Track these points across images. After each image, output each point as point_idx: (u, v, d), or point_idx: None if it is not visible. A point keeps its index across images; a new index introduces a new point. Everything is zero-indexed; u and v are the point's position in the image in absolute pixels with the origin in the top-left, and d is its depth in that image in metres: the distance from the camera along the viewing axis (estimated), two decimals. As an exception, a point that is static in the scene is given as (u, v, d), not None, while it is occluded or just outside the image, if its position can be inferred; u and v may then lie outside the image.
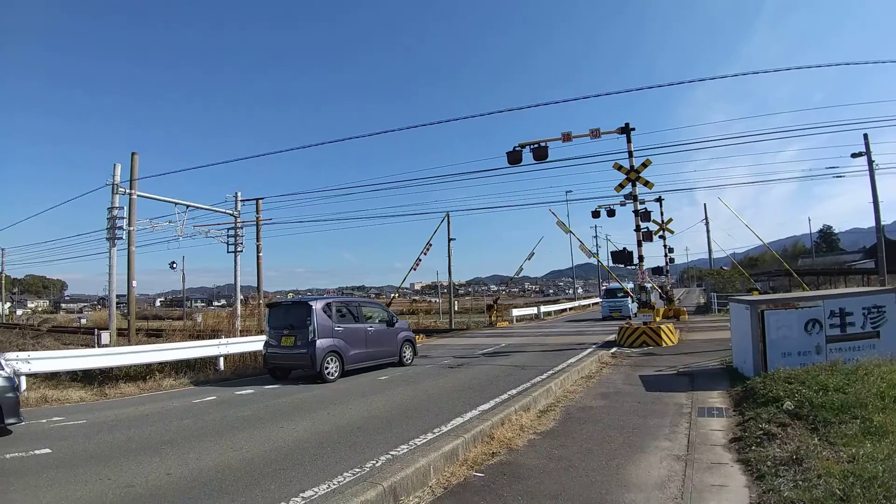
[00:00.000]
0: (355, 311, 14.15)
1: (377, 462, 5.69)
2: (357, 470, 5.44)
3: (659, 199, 30.85)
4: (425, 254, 28.79)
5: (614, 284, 34.75)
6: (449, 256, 35.60)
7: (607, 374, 11.67)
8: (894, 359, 8.37)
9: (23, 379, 11.59)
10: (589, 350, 15.83)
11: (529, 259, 36.96)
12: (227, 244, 26.82)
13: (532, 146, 17.47)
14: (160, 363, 14.70)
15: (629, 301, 30.14)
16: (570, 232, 30.91)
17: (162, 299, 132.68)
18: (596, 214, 31.02)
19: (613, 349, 15.70)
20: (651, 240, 28.87)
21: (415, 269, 28.38)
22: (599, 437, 6.73)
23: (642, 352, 15.19)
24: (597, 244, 58.05)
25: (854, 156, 25.82)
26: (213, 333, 20.30)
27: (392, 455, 5.93)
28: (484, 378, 11.61)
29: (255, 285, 29.54)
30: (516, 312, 37.34)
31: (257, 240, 28.02)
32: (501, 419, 7.27)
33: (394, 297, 36.44)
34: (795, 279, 31.86)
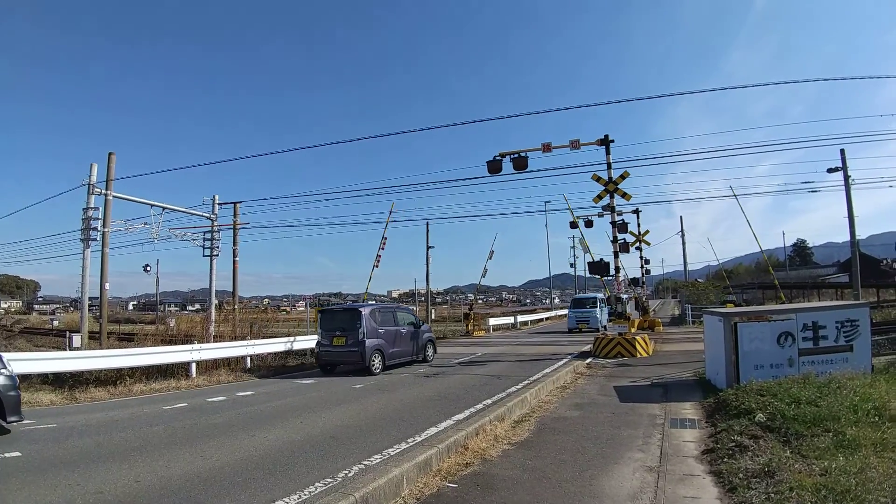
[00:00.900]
0: (392, 316, 16.51)
1: (349, 472, 5.59)
2: (329, 480, 5.35)
3: (636, 211, 31.01)
4: (382, 248, 28.59)
5: (583, 294, 34.59)
6: (427, 264, 35.60)
7: (582, 385, 11.71)
8: (867, 372, 8.52)
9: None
10: (564, 360, 15.88)
11: (490, 258, 37.00)
12: (203, 248, 26.39)
13: (512, 156, 17.53)
14: (131, 368, 14.37)
15: (598, 312, 29.70)
16: (588, 251, 30.49)
17: (135, 302, 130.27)
18: (574, 225, 31.10)
19: (589, 359, 15.77)
20: (628, 251, 28.86)
21: (377, 266, 28.14)
22: (573, 447, 6.72)
23: (617, 362, 15.28)
24: (574, 255, 58.57)
25: (830, 171, 26.15)
26: (187, 339, 19.98)
27: (365, 465, 5.84)
28: (459, 387, 11.56)
29: (231, 290, 29.12)
30: (493, 322, 37.31)
31: (234, 244, 27.65)
32: (476, 429, 7.24)
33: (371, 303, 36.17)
34: (769, 292, 32.39)
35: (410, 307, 34.57)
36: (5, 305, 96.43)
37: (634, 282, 35.80)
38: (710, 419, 7.75)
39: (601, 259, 23.07)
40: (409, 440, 6.90)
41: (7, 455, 6.63)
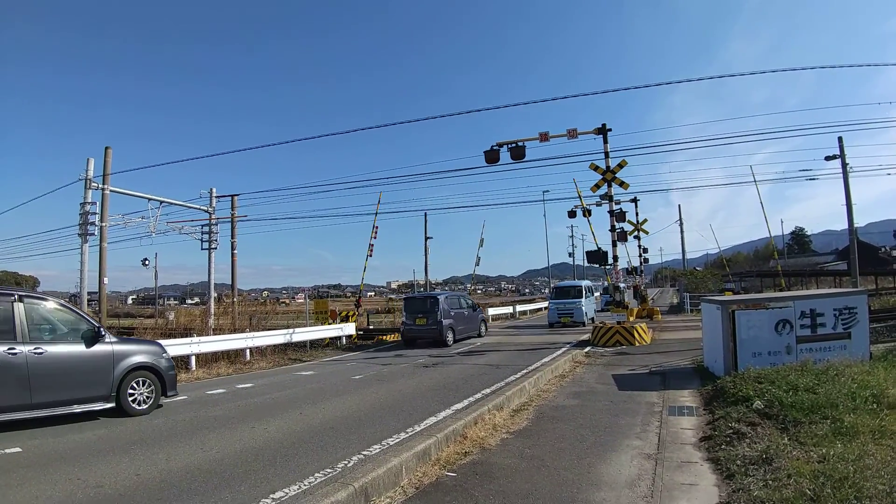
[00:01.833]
0: (458, 301, 21.24)
1: (349, 462, 5.62)
2: (329, 470, 5.37)
3: (634, 200, 30.95)
4: (374, 237, 28.58)
5: (568, 281, 31.74)
6: (426, 255, 35.69)
7: (580, 373, 11.74)
8: (865, 360, 8.53)
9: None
10: (563, 349, 15.93)
11: (481, 245, 37.16)
12: (202, 241, 26.33)
13: (510, 145, 17.50)
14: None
15: (583, 302, 25.96)
16: (594, 236, 30.66)
17: (134, 297, 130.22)
18: (572, 214, 30.95)
19: (587, 348, 15.82)
20: (626, 240, 28.79)
21: (370, 255, 28.11)
22: (572, 435, 6.75)
23: (616, 351, 15.32)
24: (573, 244, 58.60)
25: (828, 158, 26.08)
26: (186, 332, 19.96)
27: (364, 455, 5.87)
28: (458, 377, 11.59)
29: (230, 283, 29.12)
30: (492, 311, 37.29)
31: (232, 237, 27.62)
32: (475, 418, 7.26)
33: (370, 295, 36.26)
34: (768, 280, 32.38)
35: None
36: None
37: (632, 270, 35.81)
38: (708, 406, 7.77)
39: (599, 248, 23.11)
40: (408, 430, 6.92)
41: (7, 451, 6.65)
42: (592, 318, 26.14)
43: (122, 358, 8.86)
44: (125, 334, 23.97)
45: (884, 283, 46.28)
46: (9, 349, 7.60)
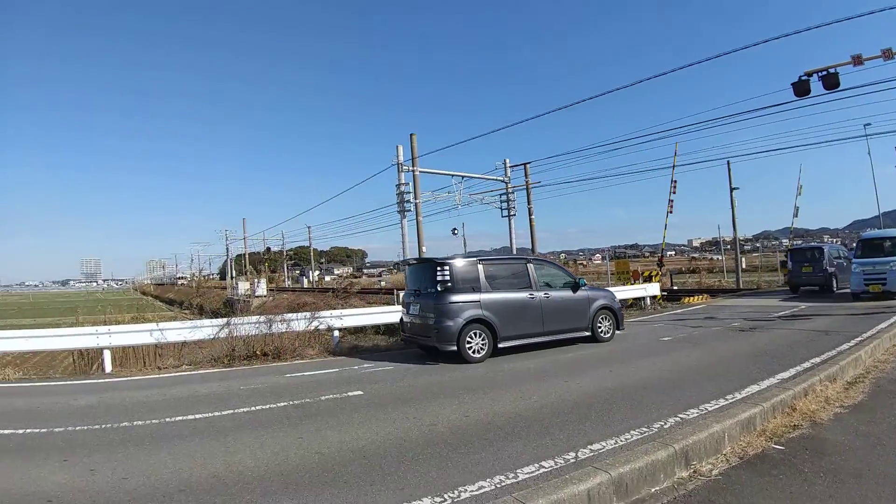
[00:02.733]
0: (838, 252, 23.38)
1: (665, 424, 5.50)
2: (644, 429, 5.34)
3: None
4: (674, 192, 26.60)
5: (880, 231, 22.49)
6: (732, 208, 32.26)
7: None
8: None
9: (335, 333, 13.91)
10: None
11: (799, 194, 31.74)
12: (501, 209, 28.30)
13: (820, 73, 14.90)
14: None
15: None
16: None
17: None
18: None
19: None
20: None
21: (670, 212, 26.43)
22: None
23: None
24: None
25: None
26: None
27: (681, 418, 5.68)
28: (781, 343, 10.41)
29: (529, 247, 30.68)
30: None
31: (528, 203, 28.99)
32: (804, 389, 6.51)
33: (670, 254, 34.58)
34: None
35: (716, 256, 31.99)
36: (338, 272, 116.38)
37: None
38: None
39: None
40: (727, 397, 6.48)
41: (350, 394, 7.87)
42: None
43: (594, 301, 11.86)
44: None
45: None
46: (529, 295, 10.98)
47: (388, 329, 16.57)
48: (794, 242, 38.32)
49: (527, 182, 28.90)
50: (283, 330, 12.55)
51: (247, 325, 12.40)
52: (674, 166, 26.62)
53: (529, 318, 10.86)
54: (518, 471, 4.35)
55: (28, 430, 6.54)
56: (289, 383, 9.03)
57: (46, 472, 4.93)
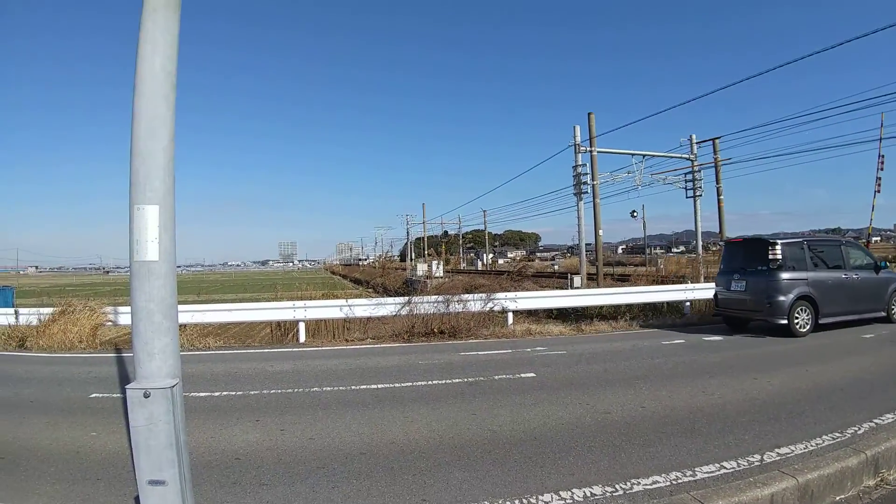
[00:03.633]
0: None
1: (859, 429, 4.92)
2: (837, 434, 4.80)
3: None
4: (881, 168, 22.56)
5: None
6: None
7: None
8: None
9: (510, 315, 14.06)
10: None
11: None
12: (686, 189, 26.44)
13: None
14: (627, 305, 15.68)
15: None
16: None
17: (623, 247, 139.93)
18: None
19: None
20: None
21: (878, 192, 22.56)
22: None
23: None
24: None
25: None
26: (679, 279, 20.56)
27: (876, 423, 5.06)
28: None
29: (716, 230, 28.40)
30: None
31: (717, 182, 26.70)
32: None
33: (875, 240, 29.91)
34: None
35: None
36: (511, 255, 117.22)
37: None
38: None
39: None
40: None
41: (523, 375, 7.91)
42: None
43: (891, 283, 12.15)
44: (621, 281, 26.30)
45: None
46: (843, 275, 11.52)
47: (559, 313, 16.48)
48: None
49: (715, 159, 26.64)
50: (460, 310, 13.05)
51: (426, 304, 13.09)
52: (881, 139, 22.82)
53: (843, 297, 11.39)
54: (696, 469, 4.12)
55: (224, 393, 7.39)
56: (464, 361, 9.37)
57: (238, 431, 5.58)
